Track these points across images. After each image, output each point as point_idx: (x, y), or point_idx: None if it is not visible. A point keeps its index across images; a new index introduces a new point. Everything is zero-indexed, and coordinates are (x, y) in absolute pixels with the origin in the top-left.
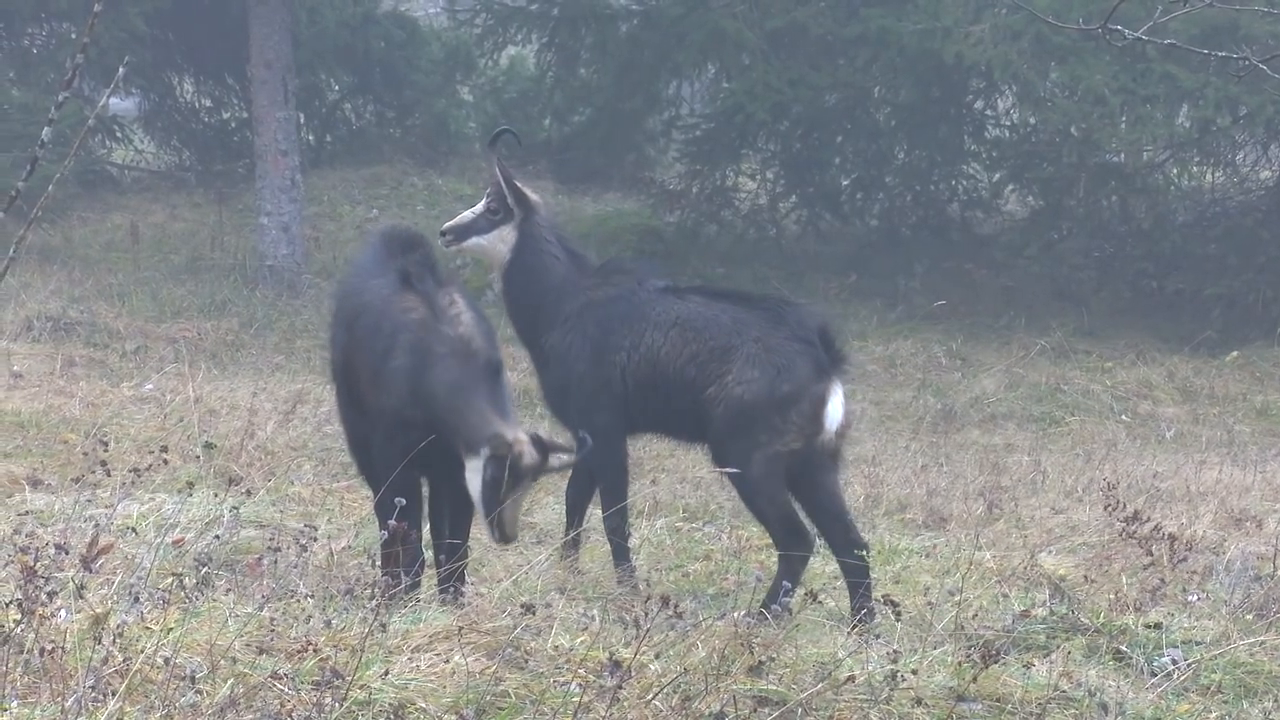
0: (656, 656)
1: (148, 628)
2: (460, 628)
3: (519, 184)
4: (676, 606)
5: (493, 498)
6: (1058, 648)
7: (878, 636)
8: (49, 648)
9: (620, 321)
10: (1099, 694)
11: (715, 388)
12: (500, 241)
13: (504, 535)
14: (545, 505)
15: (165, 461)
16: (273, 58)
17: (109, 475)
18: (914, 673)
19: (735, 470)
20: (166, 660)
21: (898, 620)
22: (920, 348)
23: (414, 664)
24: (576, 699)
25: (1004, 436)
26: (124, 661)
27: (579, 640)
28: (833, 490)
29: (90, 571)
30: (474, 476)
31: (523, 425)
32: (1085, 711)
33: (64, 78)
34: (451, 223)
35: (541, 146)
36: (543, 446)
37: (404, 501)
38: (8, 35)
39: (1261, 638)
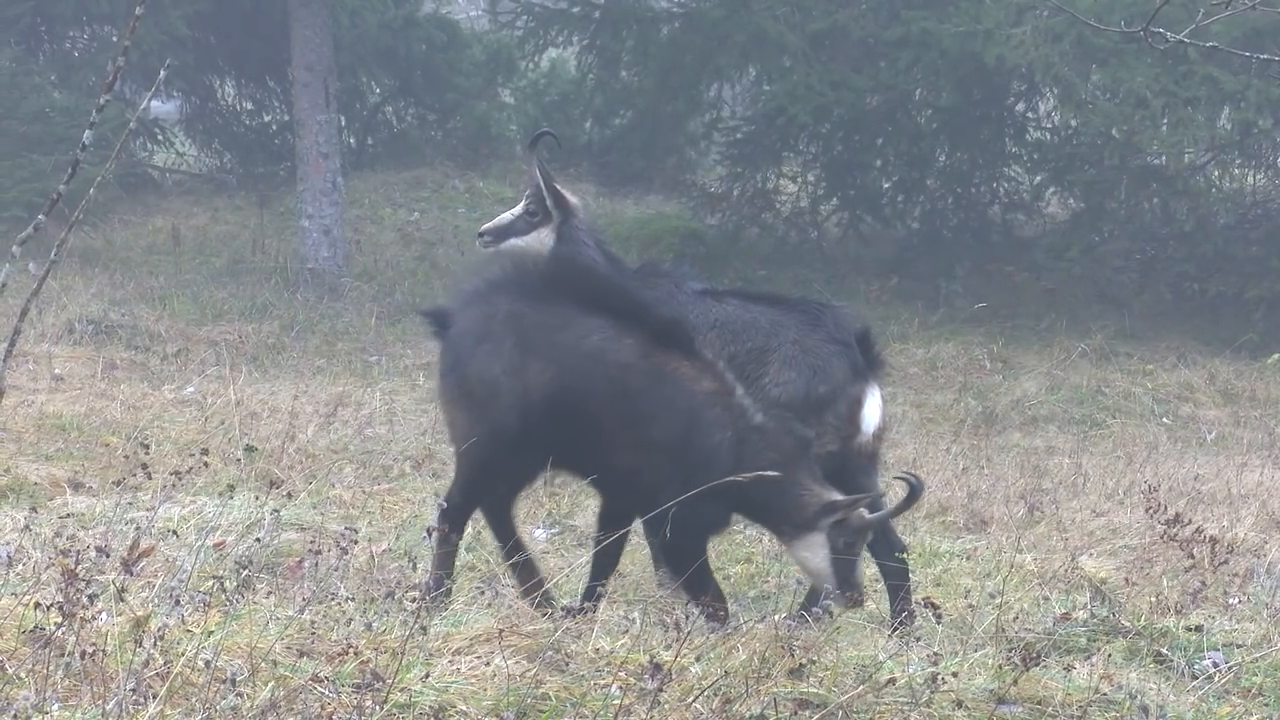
0: (697, 659)
1: (188, 630)
2: (501, 630)
3: (558, 186)
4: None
5: (849, 564)
6: (1098, 650)
7: (918, 639)
8: (90, 650)
9: None
10: (1140, 696)
11: (752, 389)
12: (538, 244)
13: (860, 594)
14: (586, 509)
15: (206, 464)
16: (314, 60)
17: (150, 478)
18: (954, 675)
19: (773, 472)
20: (207, 663)
21: (938, 623)
22: (961, 350)
23: (455, 667)
24: (617, 702)
25: (1045, 439)
26: (165, 664)
27: (620, 643)
28: (871, 492)
29: (131, 574)
30: (817, 551)
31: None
32: (1126, 714)
33: (105, 81)
34: (490, 224)
35: (582, 149)
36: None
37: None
38: (49, 39)
39: None
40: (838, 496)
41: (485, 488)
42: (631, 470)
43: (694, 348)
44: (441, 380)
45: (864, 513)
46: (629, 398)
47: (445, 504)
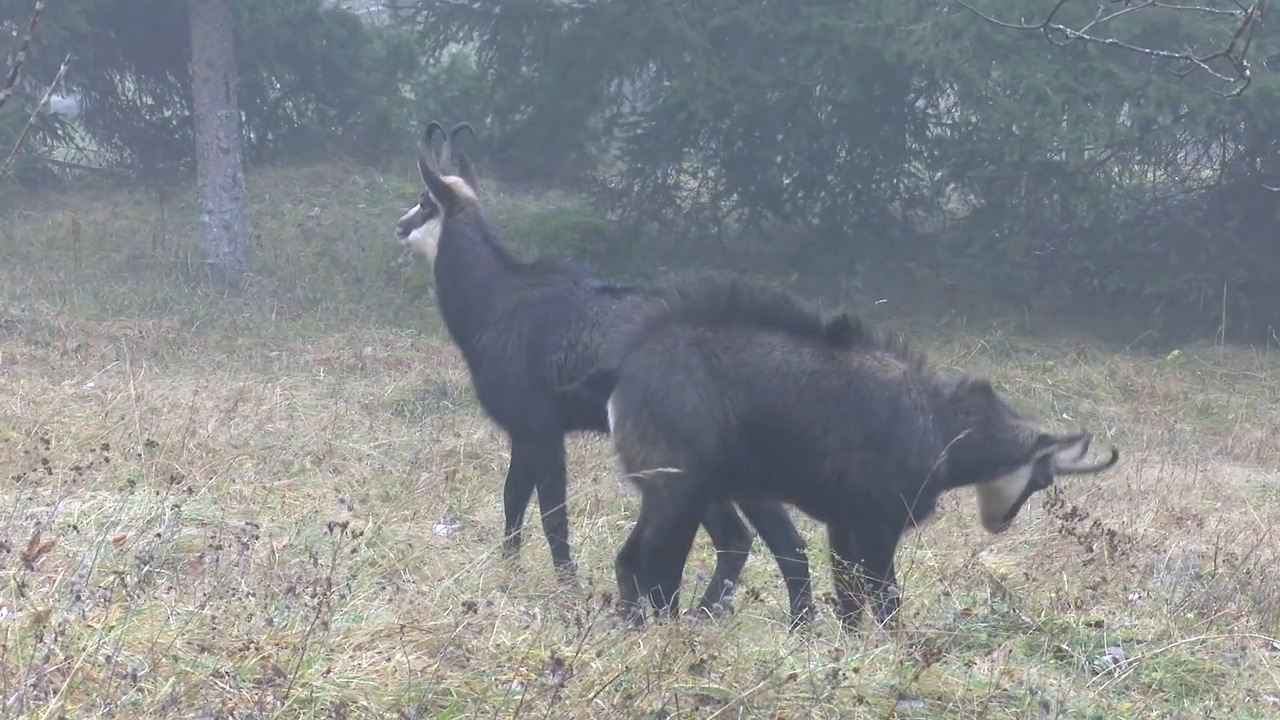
0: (598, 655)
1: (89, 626)
2: (402, 626)
3: (442, 179)
4: (618, 605)
5: (1025, 501)
6: (999, 646)
7: (819, 635)
8: None
9: (556, 321)
10: (1040, 692)
11: None
12: (429, 235)
13: (1008, 525)
14: (486, 504)
15: (107, 459)
16: (214, 55)
17: (50, 473)
18: (855, 671)
19: (674, 469)
20: (108, 659)
21: (839, 619)
22: None
23: (356, 662)
24: (518, 697)
25: None
26: (65, 660)
27: (521, 639)
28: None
29: (31, 570)
30: (1019, 481)
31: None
32: (1026, 710)
33: (5, 76)
34: (403, 217)
35: (483, 145)
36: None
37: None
38: None
39: (1202, 636)
40: (1046, 430)
41: (691, 525)
42: (838, 474)
43: (867, 342)
44: (630, 420)
45: (1065, 456)
46: (827, 402)
47: (640, 547)
